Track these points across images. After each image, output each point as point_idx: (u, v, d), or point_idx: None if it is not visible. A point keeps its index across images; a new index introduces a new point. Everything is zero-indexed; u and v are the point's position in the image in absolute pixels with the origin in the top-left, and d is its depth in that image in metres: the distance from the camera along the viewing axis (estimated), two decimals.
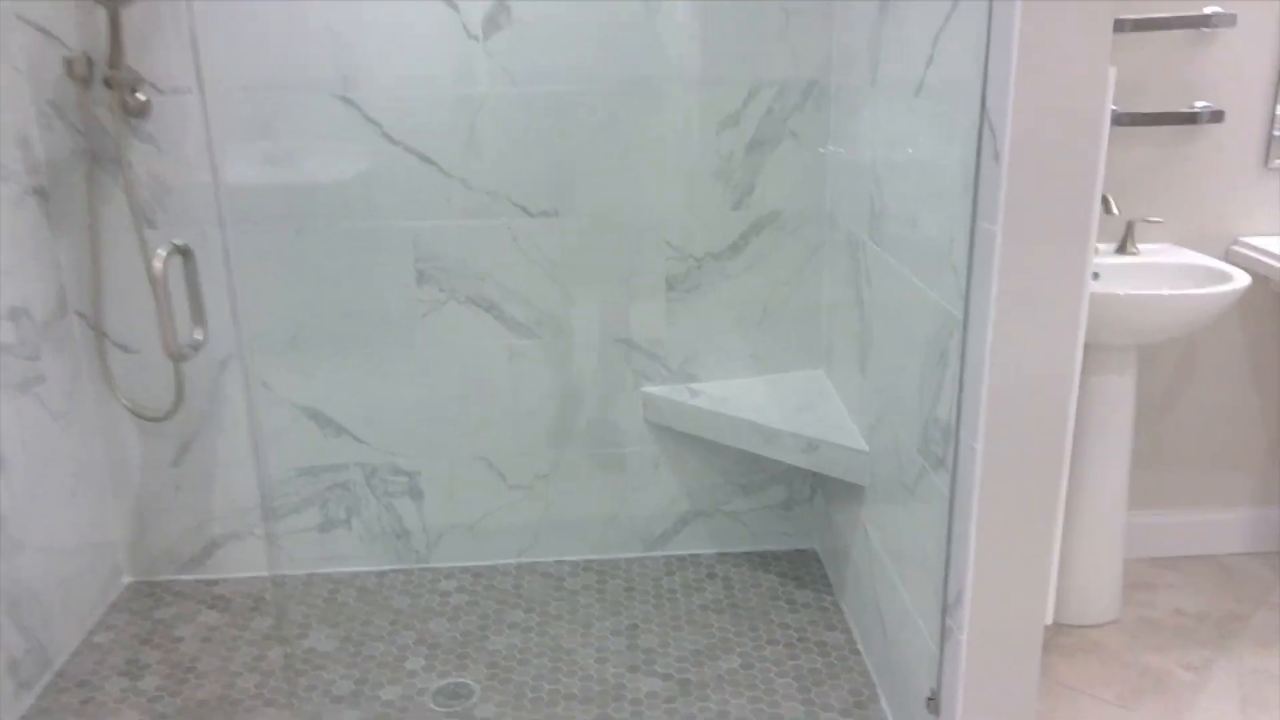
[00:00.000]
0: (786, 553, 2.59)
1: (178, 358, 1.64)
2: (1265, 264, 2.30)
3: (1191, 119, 2.28)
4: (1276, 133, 2.32)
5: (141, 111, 2.21)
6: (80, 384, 2.31)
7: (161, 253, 1.60)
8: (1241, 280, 2.14)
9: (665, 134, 2.32)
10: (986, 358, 1.44)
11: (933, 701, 1.67)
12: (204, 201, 2.27)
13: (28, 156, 2.13)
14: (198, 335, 1.71)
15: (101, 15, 2.12)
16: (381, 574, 2.53)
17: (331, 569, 2.55)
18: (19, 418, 2.06)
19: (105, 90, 2.17)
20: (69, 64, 2.14)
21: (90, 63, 2.16)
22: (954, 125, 1.56)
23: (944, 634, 1.63)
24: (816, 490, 2.57)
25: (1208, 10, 2.21)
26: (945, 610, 1.62)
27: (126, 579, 2.53)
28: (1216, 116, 2.29)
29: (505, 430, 2.48)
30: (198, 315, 1.72)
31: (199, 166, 2.25)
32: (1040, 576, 1.53)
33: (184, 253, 1.66)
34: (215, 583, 2.50)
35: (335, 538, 2.53)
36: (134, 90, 2.18)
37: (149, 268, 1.59)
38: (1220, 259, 2.34)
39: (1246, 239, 2.38)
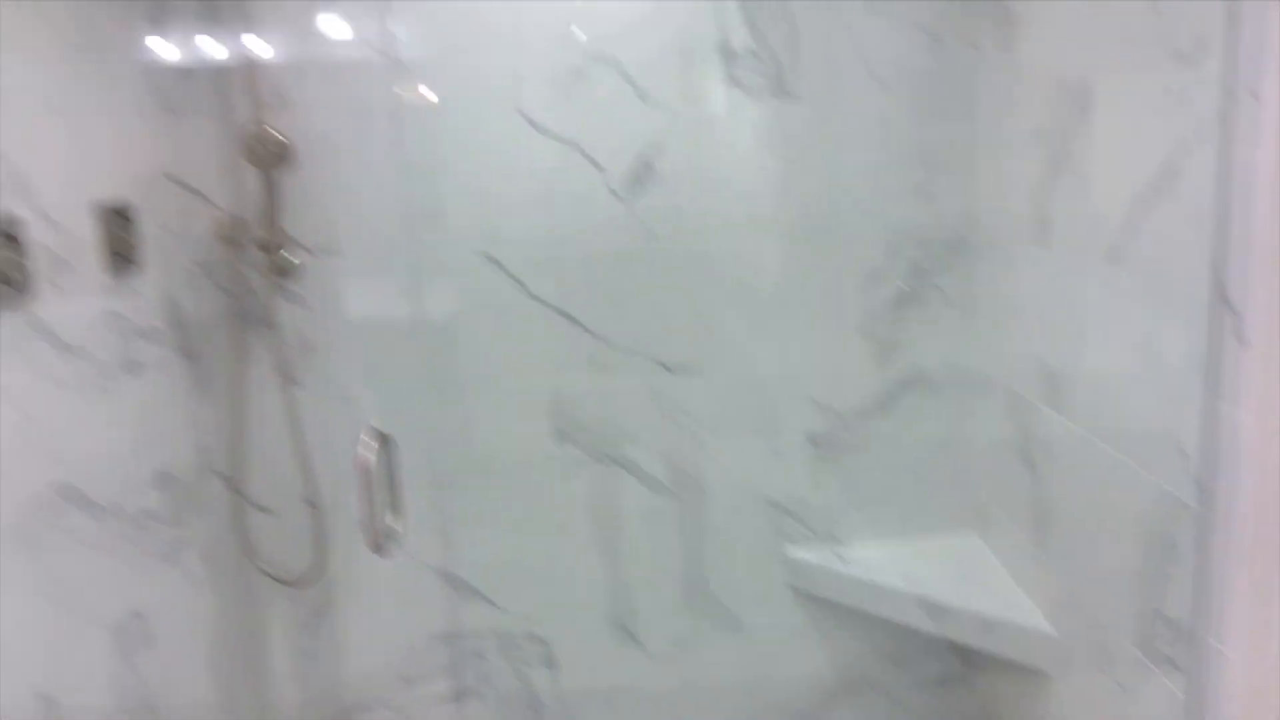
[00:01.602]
0: None
1: (381, 551, 1.60)
2: None
3: None
4: None
5: (290, 272, 2.20)
6: (218, 548, 2.23)
7: (369, 440, 1.56)
8: None
9: (809, 288, 2.27)
10: (1245, 557, 1.32)
11: None
12: (347, 359, 2.24)
13: (175, 317, 2.08)
14: (396, 525, 1.67)
15: (252, 176, 2.12)
16: None
17: None
18: (164, 588, 1.99)
19: (255, 251, 2.16)
20: (218, 225, 2.14)
21: (239, 224, 2.15)
22: (1170, 300, 1.48)
23: None
24: (969, 665, 2.40)
25: None
26: None
27: None
28: None
29: (642, 594, 2.36)
30: (396, 503, 1.67)
31: (345, 325, 2.23)
32: None
33: (384, 438, 1.62)
34: None
35: (467, 708, 2.40)
36: (284, 252, 2.18)
37: (355, 456, 1.55)
38: None
39: None
